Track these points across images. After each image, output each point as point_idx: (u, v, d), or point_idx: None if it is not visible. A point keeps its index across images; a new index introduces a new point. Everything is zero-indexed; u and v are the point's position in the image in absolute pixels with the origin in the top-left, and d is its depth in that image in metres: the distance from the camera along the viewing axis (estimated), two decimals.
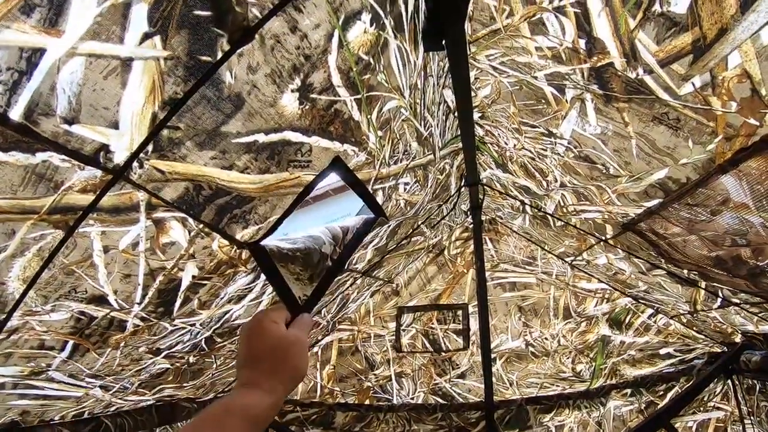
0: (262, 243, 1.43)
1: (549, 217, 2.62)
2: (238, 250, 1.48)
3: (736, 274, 1.98)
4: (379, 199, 1.89)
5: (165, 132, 0.98)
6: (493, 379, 3.08)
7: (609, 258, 2.69)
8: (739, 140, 1.26)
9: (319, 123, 1.25)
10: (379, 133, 1.52)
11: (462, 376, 3.23)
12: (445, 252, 3.37)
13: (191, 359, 2.13)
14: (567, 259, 3.09)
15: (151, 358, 1.78)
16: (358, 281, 2.90)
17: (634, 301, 3.11)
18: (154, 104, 0.93)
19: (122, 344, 1.54)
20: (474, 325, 3.20)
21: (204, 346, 2.05)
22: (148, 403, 2.41)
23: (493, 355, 3.15)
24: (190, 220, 1.21)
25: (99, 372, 1.66)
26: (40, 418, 1.81)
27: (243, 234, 1.35)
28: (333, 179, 1.52)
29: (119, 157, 0.98)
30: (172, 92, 0.93)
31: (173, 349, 1.83)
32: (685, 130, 1.35)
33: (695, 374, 2.99)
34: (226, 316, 1.85)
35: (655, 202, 1.76)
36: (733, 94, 1.17)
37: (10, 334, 1.23)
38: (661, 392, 3.06)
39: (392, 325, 3.38)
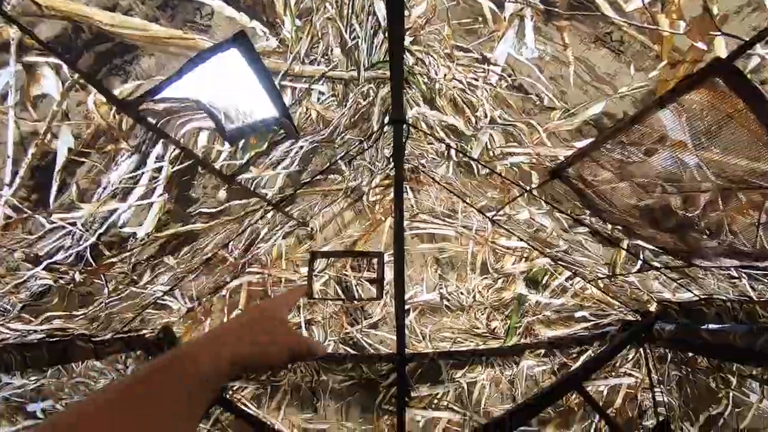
0: (145, 105, 1.28)
1: (474, 164, 2.40)
2: (117, 116, 1.30)
3: (663, 227, 1.79)
4: (287, 99, 1.66)
5: None
6: (406, 332, 2.96)
7: (531, 212, 2.53)
8: (684, 67, 1.18)
9: None
10: (298, 22, 1.42)
11: (374, 326, 3.09)
12: (364, 198, 3.14)
13: (77, 277, 1.86)
14: (488, 214, 2.90)
15: (30, 269, 1.60)
16: (269, 216, 2.62)
17: (552, 262, 2.99)
18: None
19: None
20: (389, 274, 3.02)
21: (90, 258, 1.77)
22: (38, 337, 2.13)
23: (406, 307, 3.00)
24: (65, 68, 1.12)
25: None
26: None
27: (122, 90, 1.24)
28: (235, 59, 1.29)
29: None
30: None
31: (54, 259, 1.64)
32: (628, 54, 1.27)
33: (609, 340, 2.94)
34: (112, 218, 1.65)
35: (588, 141, 1.59)
36: (683, 12, 1.09)
37: None
38: (575, 355, 3.02)
39: (304, 270, 3.16)
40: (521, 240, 2.96)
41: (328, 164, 2.51)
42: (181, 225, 1.90)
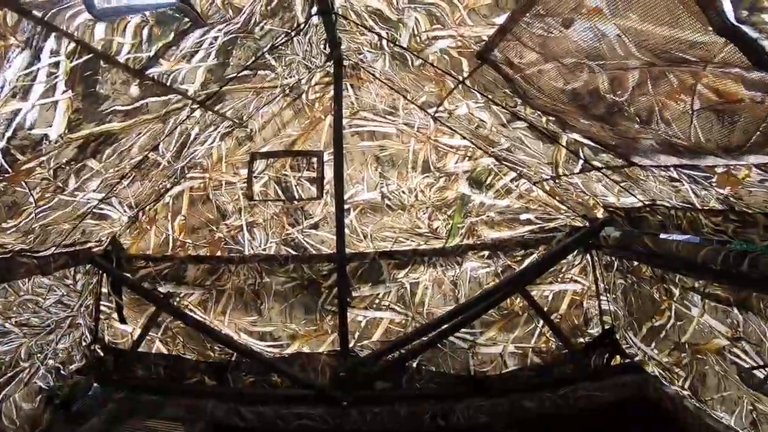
0: None
1: (408, 56, 2.25)
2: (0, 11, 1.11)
3: (593, 114, 1.68)
4: None
5: None
6: (347, 231, 2.89)
7: (469, 107, 2.41)
8: None
9: None
10: None
11: (315, 226, 3.03)
12: (303, 96, 2.98)
13: None
14: (429, 111, 2.78)
15: None
16: (198, 115, 2.47)
17: (496, 162, 2.88)
18: None
19: None
20: (328, 173, 2.92)
21: (4, 164, 1.65)
22: None
23: (347, 206, 2.92)
24: None
25: None
26: None
27: None
28: None
29: None
30: None
31: None
32: None
33: (554, 244, 2.88)
34: (18, 120, 1.51)
35: (506, 16, 1.45)
36: None
37: None
38: (519, 258, 2.97)
39: (244, 172, 3.07)
40: (464, 138, 2.85)
41: (253, 58, 2.34)
42: (96, 125, 1.78)
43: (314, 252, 3.01)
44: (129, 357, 3.01)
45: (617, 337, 2.89)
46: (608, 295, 2.93)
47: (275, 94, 2.91)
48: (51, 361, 2.65)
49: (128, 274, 3.08)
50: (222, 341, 2.96)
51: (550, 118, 1.95)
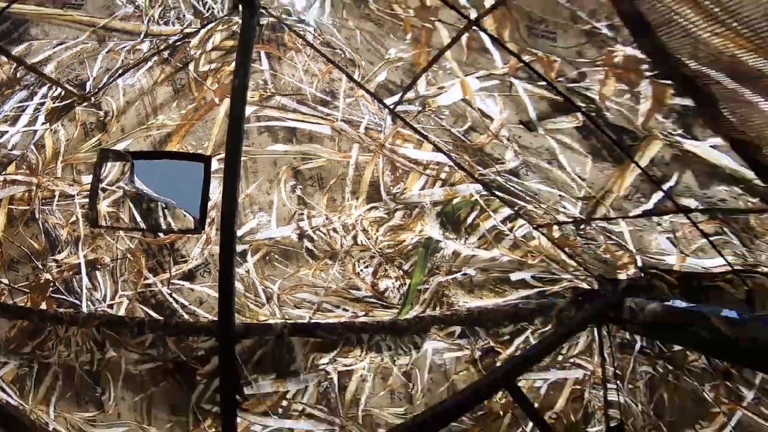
0: None
1: None
2: None
3: None
4: None
5: None
6: (239, 288, 2.16)
7: (467, 88, 1.72)
8: None
9: None
10: None
11: (190, 276, 2.23)
12: (191, 66, 2.12)
13: None
14: (388, 101, 1.98)
15: None
16: None
17: (485, 192, 2.17)
18: None
19: None
20: (216, 192, 2.12)
21: None
22: None
23: (242, 247, 2.18)
24: None
25: None
26: None
27: None
28: None
29: None
30: None
31: None
32: None
33: (555, 315, 2.29)
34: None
35: None
36: None
37: None
38: (507, 336, 2.31)
39: (88, 180, 2.22)
40: (438, 150, 2.07)
41: None
42: None
43: (187, 317, 2.25)
44: None
45: None
46: (620, 383, 2.37)
47: (141, 52, 2.06)
48: None
49: None
50: None
51: (683, 97, 1.23)
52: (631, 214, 1.78)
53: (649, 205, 1.69)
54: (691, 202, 1.55)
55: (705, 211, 1.55)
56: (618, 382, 2.37)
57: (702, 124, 1.30)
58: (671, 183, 1.54)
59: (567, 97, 1.49)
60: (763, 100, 1.05)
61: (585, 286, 2.31)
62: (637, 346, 2.27)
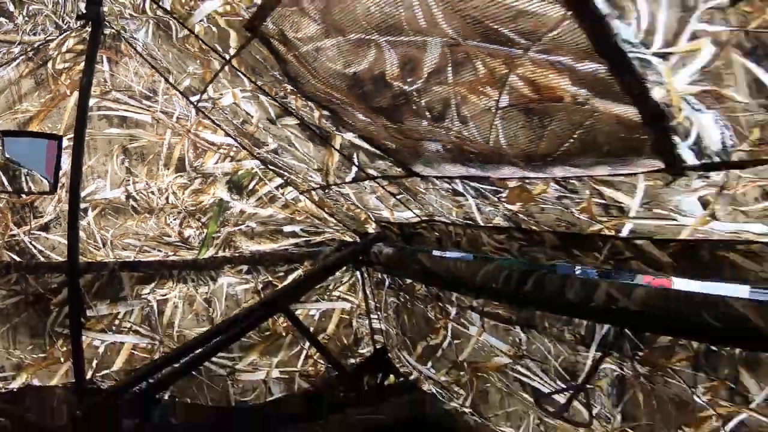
0: None
1: (172, 24, 2.00)
2: None
3: (376, 107, 1.45)
4: None
5: None
6: (82, 235, 2.46)
7: (236, 96, 2.19)
8: None
9: None
10: None
11: (45, 228, 2.54)
12: (50, 64, 2.54)
13: None
14: (192, 99, 2.50)
15: None
16: None
17: (262, 166, 2.65)
18: None
19: None
20: (66, 164, 2.49)
21: None
22: None
23: (84, 205, 2.51)
24: None
25: None
26: None
27: None
28: None
29: None
30: None
31: None
32: None
33: (321, 260, 2.74)
34: None
35: None
36: None
37: None
38: (282, 273, 2.76)
39: None
40: (228, 135, 2.59)
41: None
42: None
43: (43, 260, 2.53)
44: None
45: (390, 356, 2.78)
46: (380, 313, 2.83)
47: (13, 54, 2.45)
48: None
49: None
50: None
51: (324, 112, 1.76)
52: (347, 181, 2.18)
53: (353, 175, 2.09)
54: (373, 172, 1.96)
55: (383, 178, 1.97)
56: (378, 312, 2.83)
57: (343, 125, 1.74)
58: (356, 160, 1.95)
59: (284, 107, 1.94)
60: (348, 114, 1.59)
61: (347, 238, 2.75)
62: (387, 283, 2.70)
